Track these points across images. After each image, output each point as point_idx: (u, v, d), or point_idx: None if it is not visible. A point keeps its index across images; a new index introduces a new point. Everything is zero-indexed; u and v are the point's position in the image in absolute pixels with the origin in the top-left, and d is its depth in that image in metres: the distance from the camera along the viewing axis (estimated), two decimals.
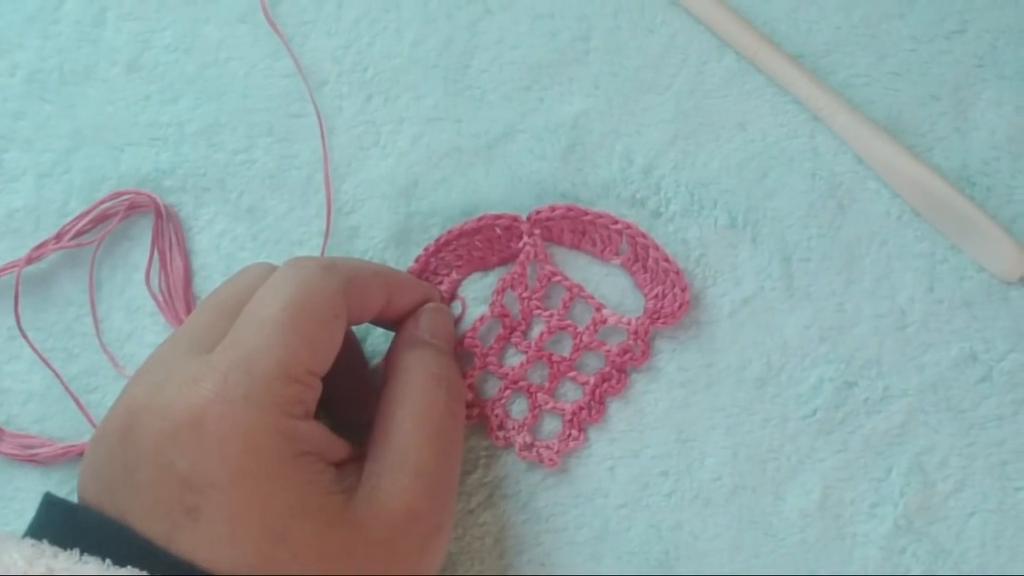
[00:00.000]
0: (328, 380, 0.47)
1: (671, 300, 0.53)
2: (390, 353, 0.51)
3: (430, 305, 0.52)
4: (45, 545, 0.41)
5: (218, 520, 0.41)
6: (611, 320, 0.53)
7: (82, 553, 0.41)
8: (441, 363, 0.50)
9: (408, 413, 0.48)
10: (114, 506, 0.43)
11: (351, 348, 0.53)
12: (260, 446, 0.42)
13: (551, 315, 0.54)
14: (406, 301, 0.51)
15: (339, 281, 0.47)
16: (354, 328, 0.54)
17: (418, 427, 0.47)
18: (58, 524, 0.43)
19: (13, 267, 0.56)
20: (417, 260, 0.55)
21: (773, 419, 0.52)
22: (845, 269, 0.54)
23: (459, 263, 0.55)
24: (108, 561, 0.40)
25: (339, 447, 0.46)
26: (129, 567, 0.40)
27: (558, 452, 0.53)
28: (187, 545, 0.41)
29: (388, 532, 0.44)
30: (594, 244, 0.54)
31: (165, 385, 0.43)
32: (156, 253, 0.56)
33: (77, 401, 0.55)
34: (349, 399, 0.52)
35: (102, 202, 0.56)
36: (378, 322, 0.52)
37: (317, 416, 0.46)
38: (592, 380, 0.53)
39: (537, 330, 0.54)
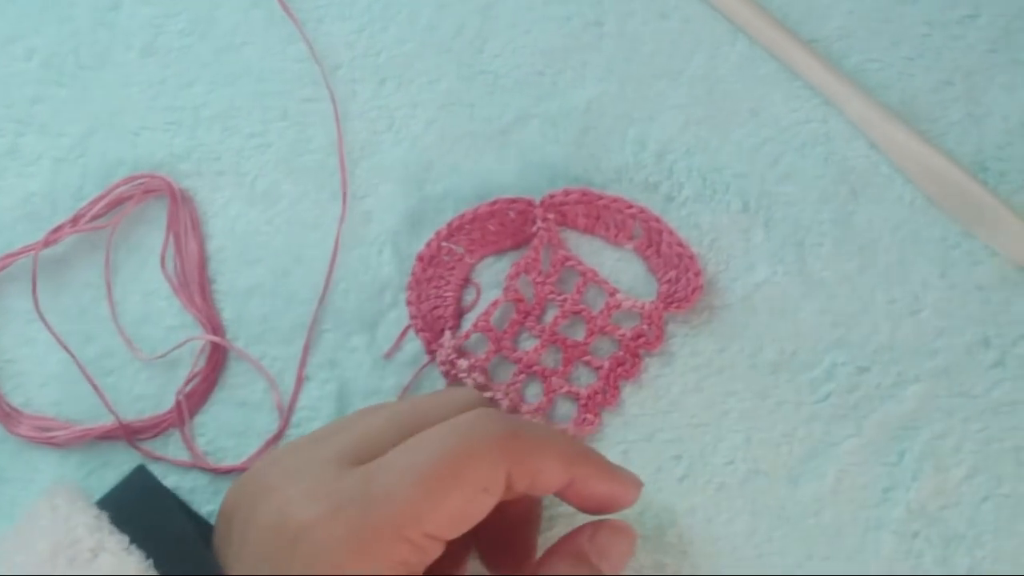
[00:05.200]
0: (487, 533, 0.46)
1: (684, 284, 0.53)
2: (552, 549, 0.49)
3: (615, 523, 0.49)
4: (104, 521, 0.42)
5: None
6: (625, 304, 0.53)
7: (131, 542, 0.42)
8: None
9: None
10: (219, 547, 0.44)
11: (522, 514, 0.50)
12: None
13: (565, 299, 0.54)
14: (591, 491, 0.48)
15: (508, 455, 0.44)
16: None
17: None
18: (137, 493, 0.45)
19: (30, 250, 0.56)
20: (428, 244, 0.55)
21: (786, 403, 0.53)
22: (858, 254, 0.54)
23: (472, 247, 0.55)
24: (151, 562, 0.41)
25: None
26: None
27: (573, 436, 0.53)
28: None
29: None
30: (608, 228, 0.54)
31: (298, 478, 0.43)
32: (171, 237, 0.56)
33: (93, 384, 0.55)
34: (504, 561, 0.50)
35: (118, 186, 0.57)
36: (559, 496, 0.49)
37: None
38: (606, 364, 0.53)
39: (551, 314, 0.54)
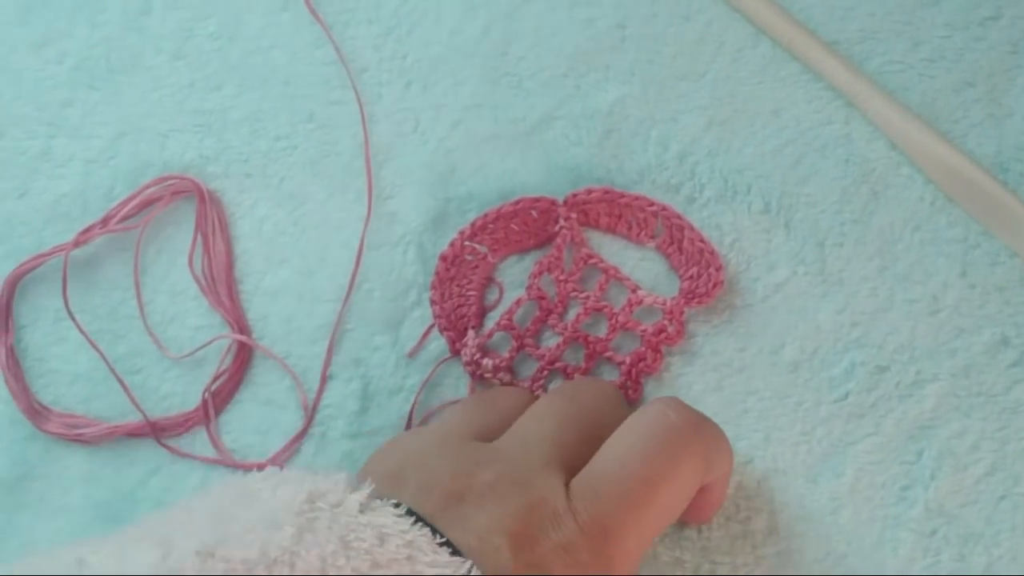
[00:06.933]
0: None
1: (706, 280, 0.53)
2: None
3: None
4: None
5: None
6: (646, 301, 0.54)
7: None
8: None
9: None
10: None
11: None
12: None
13: (587, 297, 0.54)
14: (717, 495, 0.49)
15: (704, 460, 0.45)
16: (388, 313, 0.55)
17: None
18: None
19: (61, 251, 0.57)
20: (451, 244, 0.55)
21: (805, 403, 0.53)
22: (878, 255, 0.54)
23: (495, 246, 0.55)
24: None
25: None
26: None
27: None
28: None
29: None
30: (630, 227, 0.55)
31: (526, 489, 0.42)
32: (199, 237, 0.57)
33: (121, 382, 0.55)
34: None
35: (147, 187, 0.57)
36: None
37: None
38: (628, 360, 0.53)
39: (573, 312, 0.54)
